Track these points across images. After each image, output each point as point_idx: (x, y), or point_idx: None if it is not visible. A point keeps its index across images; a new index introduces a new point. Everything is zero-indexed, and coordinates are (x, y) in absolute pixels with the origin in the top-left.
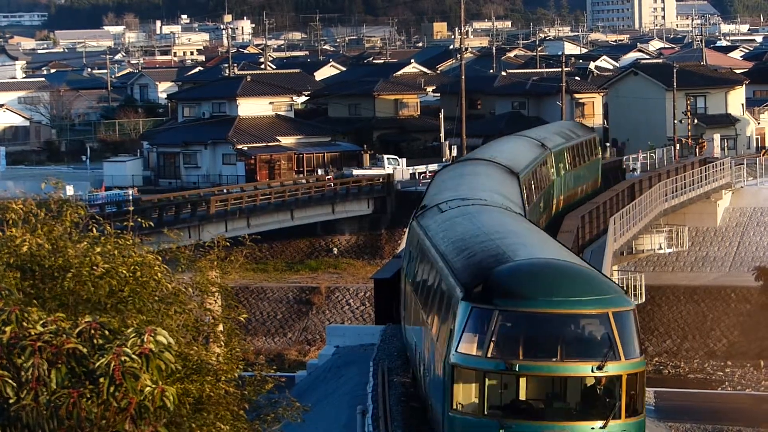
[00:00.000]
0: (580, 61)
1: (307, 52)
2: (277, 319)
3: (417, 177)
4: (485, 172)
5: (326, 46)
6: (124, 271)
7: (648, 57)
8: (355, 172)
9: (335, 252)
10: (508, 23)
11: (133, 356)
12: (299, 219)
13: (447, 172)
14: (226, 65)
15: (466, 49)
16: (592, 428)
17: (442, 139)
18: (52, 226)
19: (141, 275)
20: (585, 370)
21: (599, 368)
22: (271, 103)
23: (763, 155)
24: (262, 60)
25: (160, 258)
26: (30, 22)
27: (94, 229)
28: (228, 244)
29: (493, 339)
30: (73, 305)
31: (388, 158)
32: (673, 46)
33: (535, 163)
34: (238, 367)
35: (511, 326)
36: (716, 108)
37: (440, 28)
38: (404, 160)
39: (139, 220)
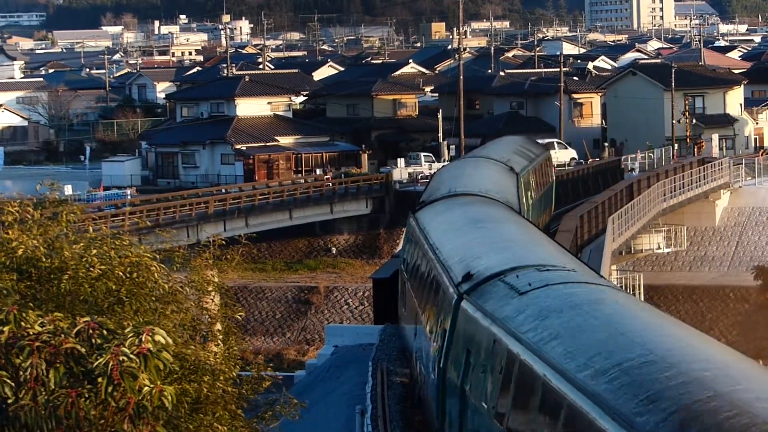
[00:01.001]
0: (579, 61)
1: (305, 52)
2: (276, 319)
3: (415, 177)
4: (498, 214)
5: (324, 46)
6: (121, 272)
7: (646, 57)
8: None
9: (334, 252)
10: (507, 23)
11: (132, 356)
12: (298, 219)
13: (440, 213)
14: (225, 65)
15: (465, 49)
16: None
17: (441, 139)
18: (48, 226)
19: (137, 276)
20: None
21: None
22: (269, 103)
23: (762, 155)
24: (260, 60)
25: (157, 257)
26: (28, 22)
27: (90, 229)
28: (224, 242)
29: None
30: (69, 306)
31: (424, 155)
32: (672, 46)
33: (518, 193)
34: (235, 366)
35: None
36: (714, 108)
37: (438, 28)
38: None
39: (136, 220)
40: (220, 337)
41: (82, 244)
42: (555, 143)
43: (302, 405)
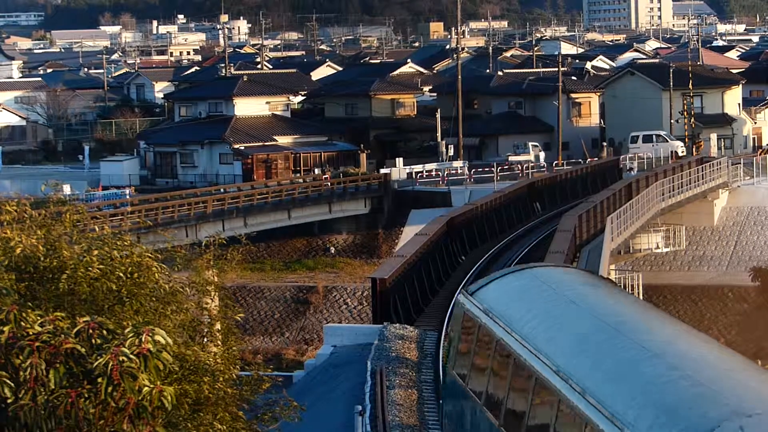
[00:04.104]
0: (577, 60)
1: (303, 52)
2: (275, 319)
3: (414, 177)
4: None
5: (323, 46)
6: (121, 273)
7: (644, 57)
8: (511, 158)
9: (332, 251)
10: (505, 23)
11: (131, 356)
12: (296, 218)
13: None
14: (223, 65)
15: (463, 48)
16: None
17: (439, 139)
18: (50, 226)
19: (138, 276)
20: None
21: None
22: (267, 102)
23: (760, 154)
24: (258, 60)
25: (158, 258)
26: (27, 22)
27: (94, 229)
28: (225, 242)
29: None
30: (68, 306)
31: (532, 145)
32: (670, 46)
33: None
34: (235, 367)
35: None
36: (713, 108)
37: (437, 28)
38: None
39: (138, 219)
40: (220, 337)
41: (83, 244)
42: (654, 136)
43: (302, 408)
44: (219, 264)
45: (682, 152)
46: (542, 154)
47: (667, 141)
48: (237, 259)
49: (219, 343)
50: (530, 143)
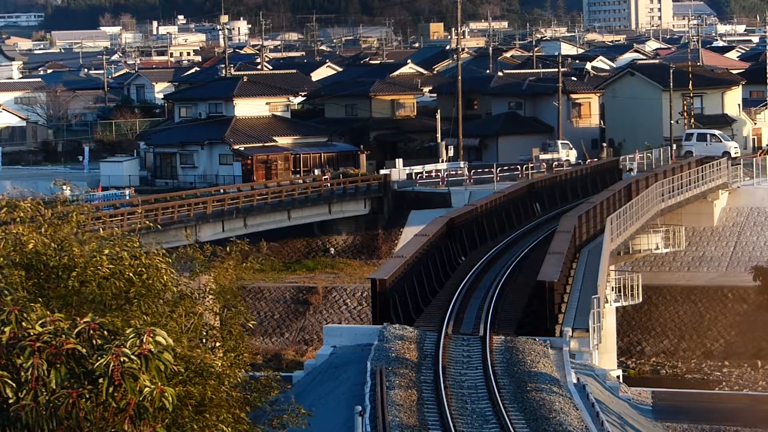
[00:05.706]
0: (577, 61)
1: (303, 53)
2: (275, 319)
3: (414, 177)
4: None
5: (323, 47)
6: (130, 273)
7: (644, 57)
8: (542, 156)
9: (332, 252)
10: (505, 23)
11: (132, 357)
12: (296, 219)
13: None
14: (223, 66)
15: (463, 49)
16: None
17: (439, 140)
18: (58, 225)
19: (147, 277)
20: None
21: None
22: (267, 103)
23: (760, 155)
24: (258, 60)
25: (167, 260)
26: (27, 23)
27: (101, 230)
28: (247, 248)
29: None
30: (76, 305)
31: (561, 143)
32: (670, 46)
33: None
34: (243, 371)
35: None
36: (713, 108)
37: (437, 29)
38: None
39: (146, 221)
40: (231, 343)
41: (93, 244)
42: (708, 135)
43: (309, 414)
44: (239, 269)
45: (736, 153)
46: (573, 152)
47: (722, 141)
48: (256, 267)
49: (229, 346)
50: (559, 141)
